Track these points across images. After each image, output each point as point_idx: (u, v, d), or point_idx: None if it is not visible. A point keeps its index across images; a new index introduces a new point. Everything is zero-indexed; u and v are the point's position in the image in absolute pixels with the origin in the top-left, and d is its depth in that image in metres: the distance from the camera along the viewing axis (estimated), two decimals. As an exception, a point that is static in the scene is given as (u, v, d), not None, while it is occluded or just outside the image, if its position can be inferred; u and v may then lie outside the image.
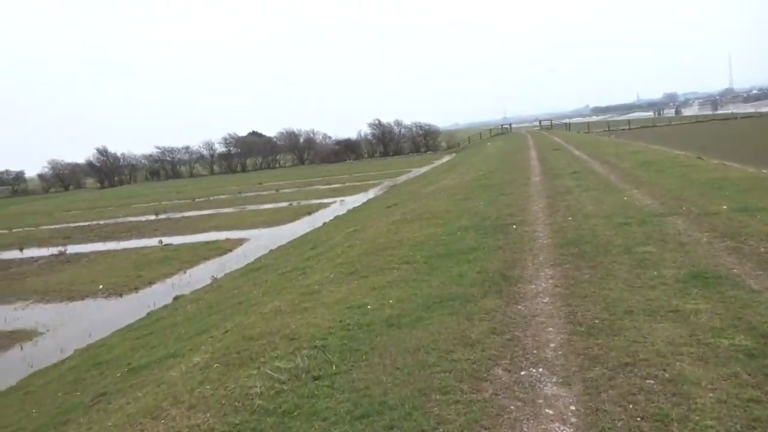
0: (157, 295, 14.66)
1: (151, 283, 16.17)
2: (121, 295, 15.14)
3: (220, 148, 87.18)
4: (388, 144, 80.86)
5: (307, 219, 25.37)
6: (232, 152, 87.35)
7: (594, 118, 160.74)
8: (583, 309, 4.74)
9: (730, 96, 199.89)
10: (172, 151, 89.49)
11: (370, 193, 32.98)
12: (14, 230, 33.87)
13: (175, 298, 13.65)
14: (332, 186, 41.02)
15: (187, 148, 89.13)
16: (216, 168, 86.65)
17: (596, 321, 4.43)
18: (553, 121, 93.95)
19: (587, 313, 4.64)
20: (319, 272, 8.23)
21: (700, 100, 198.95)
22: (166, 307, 12.54)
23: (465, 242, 7.89)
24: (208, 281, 15.03)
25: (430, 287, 5.90)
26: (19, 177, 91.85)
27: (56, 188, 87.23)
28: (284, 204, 32.09)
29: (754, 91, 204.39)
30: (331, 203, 30.50)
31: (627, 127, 77.57)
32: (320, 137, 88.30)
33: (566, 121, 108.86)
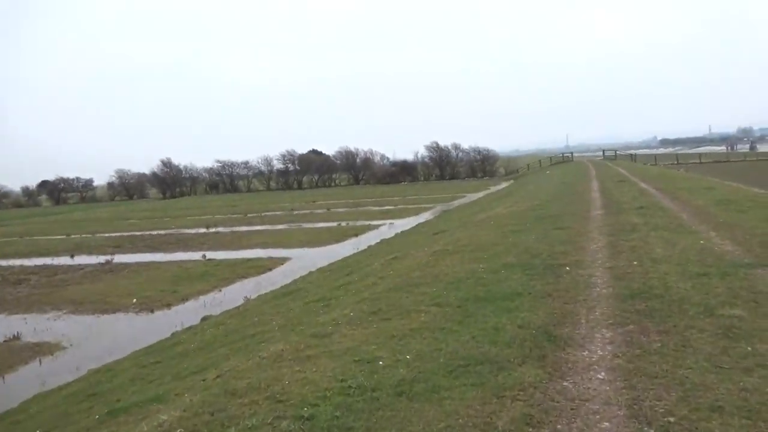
0: (188, 313, 14.11)
1: (184, 299, 15.68)
2: (152, 311, 14.69)
3: (278, 165, 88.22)
4: (444, 167, 79.87)
5: (352, 241, 24.67)
6: (290, 169, 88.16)
7: (662, 150, 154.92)
8: (652, 397, 3.56)
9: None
10: (231, 165, 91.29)
11: (421, 218, 32.07)
12: (72, 236, 34.66)
13: (203, 319, 13.03)
14: (384, 208, 40.33)
15: (246, 163, 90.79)
16: (273, 184, 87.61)
17: (671, 420, 3.24)
18: (617, 152, 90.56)
19: (658, 404, 3.46)
20: (341, 307, 7.29)
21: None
22: (189, 329, 11.89)
23: (508, 284, 6.77)
24: (240, 301, 14.39)
25: (458, 342, 4.84)
26: (88, 185, 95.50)
27: (121, 197, 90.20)
28: (333, 224, 31.57)
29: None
30: (379, 225, 29.75)
31: (698, 161, 73.66)
32: (378, 158, 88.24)
33: (632, 152, 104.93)
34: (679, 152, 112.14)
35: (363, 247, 21.84)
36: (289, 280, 16.28)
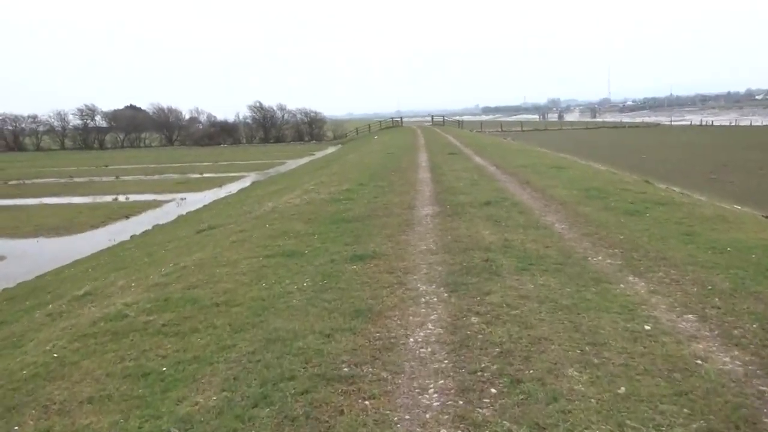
0: None
1: None
2: None
3: (74, 120, 75.17)
4: (269, 129, 73.46)
5: (117, 227, 18.43)
6: (90, 126, 75.65)
7: (484, 117, 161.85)
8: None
9: (607, 105, 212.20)
10: (15, 119, 76.05)
11: (223, 191, 26.36)
12: None
13: None
14: (185, 176, 33.70)
15: (34, 117, 76.16)
16: (69, 143, 74.70)
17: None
18: (445, 118, 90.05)
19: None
20: None
21: (580, 107, 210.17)
22: None
23: None
24: None
25: None
26: None
27: None
28: (107, 198, 24.69)
29: (629, 102, 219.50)
30: (167, 202, 23.56)
31: (519, 129, 75.27)
32: (205, 116, 79.06)
33: (458, 118, 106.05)
34: (501, 119, 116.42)
35: (124, 236, 15.87)
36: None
